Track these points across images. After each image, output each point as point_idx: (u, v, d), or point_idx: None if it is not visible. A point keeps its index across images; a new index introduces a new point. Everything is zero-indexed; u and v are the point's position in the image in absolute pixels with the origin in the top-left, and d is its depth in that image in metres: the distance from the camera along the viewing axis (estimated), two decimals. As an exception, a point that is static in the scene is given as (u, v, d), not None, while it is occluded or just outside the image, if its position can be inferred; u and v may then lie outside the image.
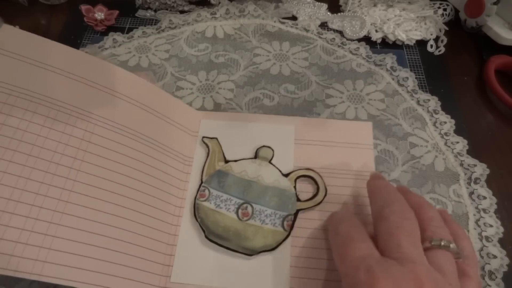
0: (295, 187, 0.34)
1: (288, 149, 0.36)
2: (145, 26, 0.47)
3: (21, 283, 0.31)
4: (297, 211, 0.33)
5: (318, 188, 0.34)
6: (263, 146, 0.36)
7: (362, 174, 0.34)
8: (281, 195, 0.33)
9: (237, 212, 0.32)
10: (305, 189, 0.34)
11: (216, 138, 0.36)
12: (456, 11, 0.47)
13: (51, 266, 0.25)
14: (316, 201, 0.33)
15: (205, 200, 0.33)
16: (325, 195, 0.33)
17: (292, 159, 0.35)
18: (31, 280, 0.31)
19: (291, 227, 0.32)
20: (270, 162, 0.35)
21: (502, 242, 0.33)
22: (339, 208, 0.33)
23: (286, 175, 0.34)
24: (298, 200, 0.33)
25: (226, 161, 0.35)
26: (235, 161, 0.35)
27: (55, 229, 0.26)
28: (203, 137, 0.36)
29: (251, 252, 0.31)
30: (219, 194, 0.33)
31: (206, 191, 0.34)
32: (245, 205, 0.33)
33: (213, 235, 0.32)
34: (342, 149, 0.36)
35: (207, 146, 0.36)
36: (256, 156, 0.35)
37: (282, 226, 0.32)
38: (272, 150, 0.36)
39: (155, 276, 0.30)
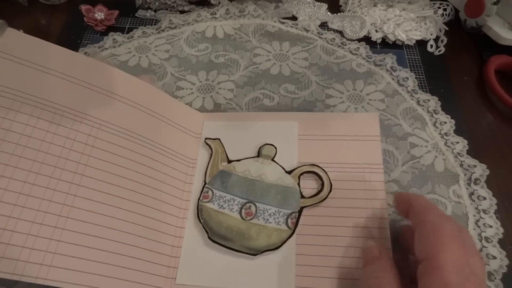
0: (299, 184, 0.34)
1: (292, 145, 0.36)
2: (145, 26, 0.47)
3: (21, 283, 0.31)
4: (302, 208, 0.32)
5: (322, 184, 0.33)
6: (266, 144, 0.36)
7: (369, 167, 0.34)
8: (284, 193, 0.33)
9: (240, 212, 0.32)
10: (310, 185, 0.34)
11: (219, 139, 0.36)
12: (456, 11, 0.47)
13: (57, 270, 0.26)
14: (321, 197, 0.33)
15: (208, 201, 0.33)
16: (330, 190, 0.33)
17: (296, 155, 0.35)
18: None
19: (296, 224, 0.32)
20: (273, 159, 0.35)
21: (502, 243, 0.33)
22: (345, 203, 0.33)
23: (290, 172, 0.34)
24: (302, 197, 0.33)
25: (229, 161, 0.35)
26: (238, 160, 0.35)
27: (60, 233, 0.27)
28: (206, 138, 0.36)
29: (255, 252, 0.31)
30: (223, 194, 0.33)
31: (210, 192, 0.34)
32: (248, 205, 0.33)
33: (217, 236, 0.32)
34: (348, 142, 0.35)
35: (210, 147, 0.36)
36: (259, 155, 0.35)
37: (286, 224, 0.32)
38: (275, 147, 0.36)
39: (160, 278, 0.30)
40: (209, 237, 0.32)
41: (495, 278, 0.31)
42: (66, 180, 0.28)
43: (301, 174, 0.34)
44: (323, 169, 0.34)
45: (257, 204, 0.33)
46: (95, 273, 0.27)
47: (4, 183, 0.26)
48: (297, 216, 0.32)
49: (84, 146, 0.30)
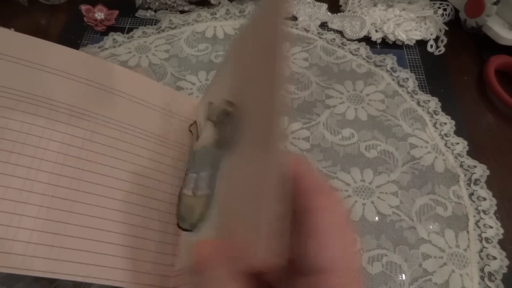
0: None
1: None
2: (145, 26, 0.47)
3: (21, 283, 0.31)
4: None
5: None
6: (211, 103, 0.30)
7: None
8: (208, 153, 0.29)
9: (192, 189, 0.30)
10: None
11: (195, 121, 0.34)
12: (456, 11, 0.47)
13: (40, 261, 0.25)
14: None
15: (185, 188, 0.31)
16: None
17: None
18: (31, 280, 0.31)
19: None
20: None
21: (502, 243, 0.33)
22: None
23: None
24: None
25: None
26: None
27: (41, 224, 0.26)
28: (190, 125, 0.35)
29: (191, 227, 0.28)
30: (191, 176, 0.31)
31: (186, 178, 0.31)
32: (195, 178, 0.30)
33: (180, 221, 0.30)
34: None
35: (191, 132, 0.34)
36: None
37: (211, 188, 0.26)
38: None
39: (164, 266, 0.30)
40: (177, 225, 0.30)
41: (496, 278, 0.31)
42: (46, 171, 0.28)
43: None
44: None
45: (200, 174, 0.29)
46: (87, 263, 0.27)
47: None
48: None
49: (64, 134, 0.30)
